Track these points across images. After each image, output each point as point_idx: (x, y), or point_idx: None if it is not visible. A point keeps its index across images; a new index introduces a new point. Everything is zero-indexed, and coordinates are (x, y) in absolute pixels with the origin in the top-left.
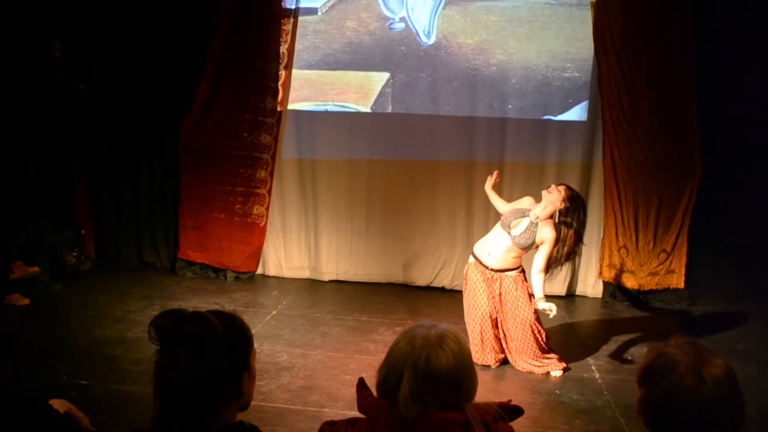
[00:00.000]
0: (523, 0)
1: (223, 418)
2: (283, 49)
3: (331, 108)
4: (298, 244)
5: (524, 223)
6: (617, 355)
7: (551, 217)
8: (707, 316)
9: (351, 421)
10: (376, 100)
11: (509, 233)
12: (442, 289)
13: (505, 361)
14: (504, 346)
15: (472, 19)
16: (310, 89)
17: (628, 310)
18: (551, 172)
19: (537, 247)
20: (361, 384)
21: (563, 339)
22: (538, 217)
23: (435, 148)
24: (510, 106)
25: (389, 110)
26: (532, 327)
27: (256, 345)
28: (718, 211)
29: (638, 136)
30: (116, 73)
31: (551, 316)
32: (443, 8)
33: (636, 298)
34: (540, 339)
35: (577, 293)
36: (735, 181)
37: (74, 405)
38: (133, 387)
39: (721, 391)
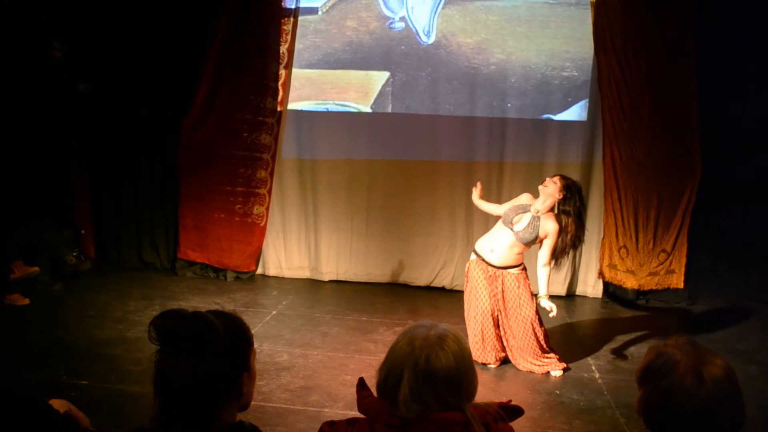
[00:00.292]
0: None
1: (223, 418)
2: (283, 48)
3: (331, 107)
4: (298, 244)
5: (526, 218)
6: (617, 355)
7: (552, 209)
8: (707, 316)
9: (351, 421)
10: (376, 99)
11: (512, 229)
12: (442, 289)
13: (505, 360)
14: (505, 344)
15: (471, 18)
16: (311, 88)
17: (628, 310)
18: (551, 172)
19: (541, 241)
20: (361, 384)
21: (563, 339)
22: (539, 211)
23: (435, 147)
24: (509, 105)
25: (389, 109)
26: (533, 325)
27: (256, 345)
28: (718, 211)
29: (638, 136)
30: (116, 73)
31: (551, 316)
32: (443, 8)
33: (636, 298)
34: (540, 338)
35: (577, 293)
36: (735, 181)
37: (74, 405)
38: (133, 387)
39: (721, 391)
